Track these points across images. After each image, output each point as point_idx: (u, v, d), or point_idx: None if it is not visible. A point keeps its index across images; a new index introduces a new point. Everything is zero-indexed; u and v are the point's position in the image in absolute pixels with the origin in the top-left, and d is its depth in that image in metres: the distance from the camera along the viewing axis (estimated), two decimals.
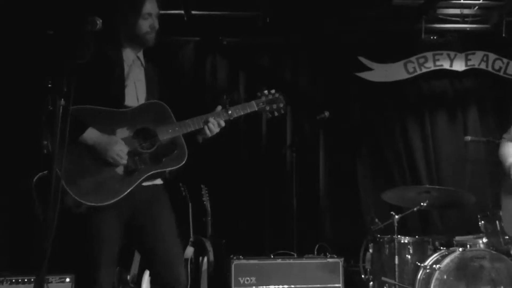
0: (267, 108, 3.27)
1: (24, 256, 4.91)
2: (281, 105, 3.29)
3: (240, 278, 4.80)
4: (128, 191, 2.87)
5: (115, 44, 3.10)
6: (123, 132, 2.94)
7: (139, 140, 2.97)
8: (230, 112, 3.15)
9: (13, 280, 4.47)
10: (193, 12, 5.84)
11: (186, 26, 5.93)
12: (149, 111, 3.03)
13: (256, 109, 3.24)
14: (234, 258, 4.85)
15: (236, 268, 4.81)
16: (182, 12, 5.77)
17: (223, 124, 3.12)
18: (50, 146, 2.66)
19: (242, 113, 3.20)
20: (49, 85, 2.50)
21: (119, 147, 2.87)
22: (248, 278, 4.81)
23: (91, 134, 2.85)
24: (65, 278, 4.51)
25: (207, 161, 5.57)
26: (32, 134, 3.09)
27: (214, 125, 3.08)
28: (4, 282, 4.46)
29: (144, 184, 2.98)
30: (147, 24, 3.06)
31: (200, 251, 5.09)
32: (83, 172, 2.82)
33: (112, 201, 2.82)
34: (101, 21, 2.55)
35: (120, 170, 2.89)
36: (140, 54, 3.19)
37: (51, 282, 4.47)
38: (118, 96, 3.00)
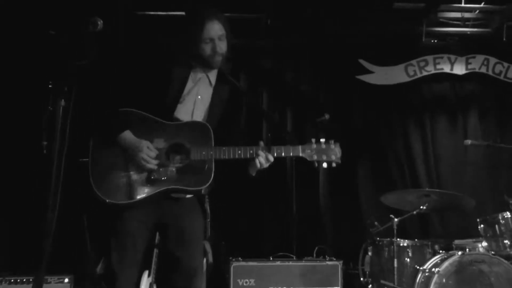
0: (315, 157, 3.11)
1: (25, 256, 4.91)
2: (334, 157, 3.13)
3: (239, 280, 4.81)
4: (143, 198, 2.94)
5: (183, 61, 3.14)
6: (159, 143, 2.99)
7: (171, 153, 3.01)
8: (270, 151, 3.05)
9: (12, 280, 4.47)
10: None
11: None
12: (191, 130, 3.04)
13: (301, 155, 3.09)
14: (233, 260, 4.85)
15: (235, 270, 4.82)
16: (183, 14, 5.77)
17: (272, 159, 3.05)
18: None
19: (283, 155, 3.09)
20: (50, 86, 2.51)
21: (146, 151, 2.93)
22: (247, 280, 4.81)
23: (126, 136, 2.95)
24: (64, 279, 4.51)
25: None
26: (32, 135, 3.10)
27: (264, 159, 3.03)
28: (3, 282, 4.46)
29: (174, 195, 3.05)
30: (209, 48, 3.06)
31: None
32: (112, 170, 2.94)
33: (126, 201, 2.92)
34: (102, 22, 2.56)
35: (144, 176, 2.96)
36: (211, 74, 3.21)
37: (50, 282, 4.47)
38: (169, 108, 3.06)
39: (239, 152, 3.04)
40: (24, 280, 4.46)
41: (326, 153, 3.11)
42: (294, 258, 5.04)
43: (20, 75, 5.43)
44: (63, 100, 2.40)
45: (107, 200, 2.89)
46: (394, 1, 5.75)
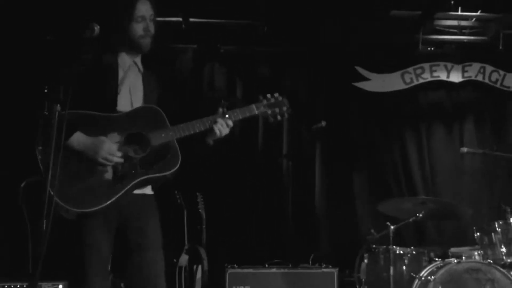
0: (269, 111, 3.16)
1: (23, 262, 4.87)
2: (285, 108, 3.19)
3: (234, 287, 4.78)
4: (117, 196, 2.79)
5: (110, 49, 3.04)
6: (114, 137, 2.85)
7: (130, 145, 2.89)
8: (227, 116, 3.03)
9: (6, 286, 4.44)
10: (191, 19, 5.84)
11: (184, 33, 5.93)
12: (142, 116, 2.94)
13: (256, 112, 3.13)
14: (229, 266, 4.83)
15: (230, 277, 4.79)
16: (180, 19, 5.77)
17: (231, 123, 3.03)
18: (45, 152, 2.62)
19: (240, 117, 3.09)
20: (45, 91, 2.48)
21: (108, 146, 2.79)
22: (242, 287, 4.79)
23: (78, 138, 2.79)
24: (58, 285, 4.48)
25: (203, 169, 5.55)
26: (28, 140, 3.06)
27: (222, 126, 2.99)
28: None
29: (135, 192, 2.92)
30: (141, 27, 2.98)
31: (195, 259, 5.07)
32: (71, 177, 2.74)
33: (99, 207, 2.75)
34: (98, 27, 2.54)
35: (108, 175, 2.81)
36: (138, 60, 3.12)
37: None
38: (110, 101, 2.94)
39: (198, 125, 2.97)
40: (18, 286, 4.43)
41: (277, 106, 3.18)
42: (290, 265, 5.02)
43: (16, 80, 5.41)
44: (58, 105, 2.38)
45: (77, 211, 2.71)
46: (391, 9, 5.77)
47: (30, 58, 5.41)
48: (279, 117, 3.20)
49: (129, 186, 2.82)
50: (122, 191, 2.80)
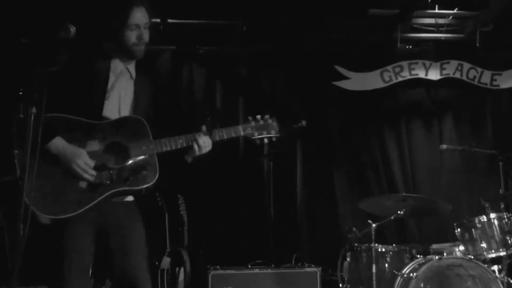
0: (256, 134, 3.10)
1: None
2: (273, 132, 3.12)
3: None
4: (89, 206, 2.75)
5: (103, 54, 3.01)
6: (94, 145, 2.83)
7: (109, 154, 2.85)
8: (212, 135, 2.99)
9: None
10: (169, 20, 5.81)
11: (163, 34, 5.89)
12: (125, 126, 2.90)
13: (242, 134, 3.07)
14: (211, 268, 4.81)
15: (213, 279, 4.77)
16: (158, 20, 5.73)
17: (209, 143, 2.98)
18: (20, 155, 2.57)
19: (225, 137, 3.04)
20: (20, 93, 2.44)
21: (83, 160, 2.76)
22: None
23: (57, 143, 2.76)
24: None
25: (184, 170, 5.51)
26: (2, 143, 3.01)
27: (204, 144, 2.95)
28: None
29: (114, 200, 2.89)
30: (134, 35, 2.95)
31: (177, 261, 5.04)
32: (46, 181, 2.71)
33: (70, 214, 2.72)
34: (74, 28, 2.50)
35: (83, 183, 2.78)
36: (131, 66, 3.08)
37: None
38: (96, 107, 2.90)
39: (180, 141, 2.93)
40: None
41: (265, 129, 3.12)
42: (273, 266, 5.00)
43: None
44: (34, 107, 2.33)
45: (47, 217, 2.69)
46: (368, 7, 5.78)
47: (5, 61, 5.34)
48: (266, 141, 3.15)
49: (102, 197, 2.79)
50: (95, 201, 2.78)
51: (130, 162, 2.84)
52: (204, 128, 3.00)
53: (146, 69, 3.14)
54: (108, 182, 2.80)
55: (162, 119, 3.06)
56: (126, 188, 2.84)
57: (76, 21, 2.58)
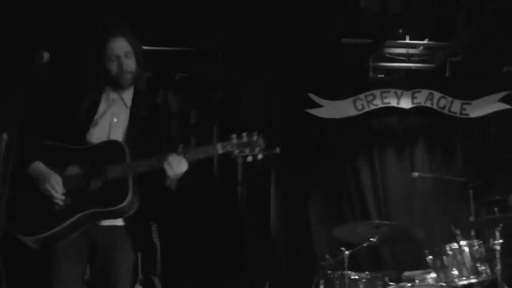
0: (236, 151, 2.90)
1: None
2: (257, 149, 2.91)
3: None
4: (60, 228, 2.80)
5: (94, 82, 3.07)
6: (74, 169, 2.89)
7: (87, 177, 2.89)
8: (187, 155, 2.90)
9: None
10: (145, 47, 5.80)
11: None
12: (104, 150, 2.94)
13: (221, 151, 2.90)
14: None
15: None
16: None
17: (185, 164, 2.90)
18: None
19: (201, 156, 2.92)
20: None
21: (53, 180, 2.82)
22: None
23: (35, 166, 2.86)
24: None
25: (157, 197, 5.47)
26: None
27: (178, 165, 2.86)
28: None
29: (104, 224, 2.93)
30: (115, 66, 2.99)
31: None
32: (25, 203, 2.83)
33: (41, 235, 2.79)
34: (48, 54, 2.52)
35: (57, 205, 2.84)
36: (126, 94, 3.11)
37: None
38: (79, 133, 2.97)
39: (152, 162, 2.89)
40: None
41: (249, 146, 2.90)
42: None
43: None
44: (5, 134, 2.34)
45: (21, 237, 2.79)
46: (342, 36, 5.89)
47: None
48: (249, 159, 2.92)
49: (74, 218, 2.82)
50: (67, 222, 2.81)
51: (106, 184, 2.86)
52: (180, 147, 2.96)
53: (142, 97, 3.17)
54: (82, 204, 2.83)
55: (154, 146, 3.05)
56: (98, 210, 2.85)
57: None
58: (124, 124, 3.06)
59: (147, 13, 5.32)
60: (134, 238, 3.02)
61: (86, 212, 2.83)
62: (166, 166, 2.86)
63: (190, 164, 2.93)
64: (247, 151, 2.90)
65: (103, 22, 3.13)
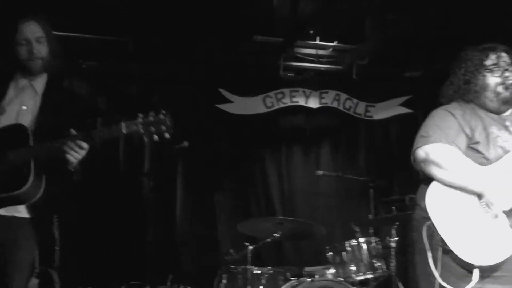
0: (142, 130, 2.78)
1: None
2: (163, 127, 2.78)
3: None
4: None
5: (2, 69, 2.99)
6: None
7: None
8: (89, 136, 2.80)
9: None
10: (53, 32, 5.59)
11: None
12: (7, 134, 2.85)
13: (125, 132, 2.79)
14: None
15: None
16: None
17: (85, 146, 2.80)
18: None
19: (105, 137, 2.82)
20: None
21: None
22: None
23: None
24: None
25: (58, 189, 5.29)
26: None
27: (74, 150, 2.78)
28: None
29: (4, 214, 2.83)
30: (25, 50, 2.92)
31: (46, 283, 4.79)
32: None
33: None
34: None
35: None
36: (37, 81, 3.03)
37: None
38: None
39: (57, 145, 2.78)
40: None
41: (155, 125, 2.78)
42: (148, 287, 4.91)
43: None
44: None
45: None
46: (254, 33, 5.93)
47: None
48: (156, 138, 2.80)
49: None
50: None
51: (7, 168, 2.77)
52: (72, 131, 2.85)
53: (56, 84, 3.08)
54: None
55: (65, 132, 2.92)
56: (1, 195, 2.76)
57: None
58: (34, 112, 2.98)
59: None
60: (39, 234, 2.97)
61: None
62: (66, 149, 2.78)
63: (93, 148, 2.86)
64: (153, 129, 2.79)
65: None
